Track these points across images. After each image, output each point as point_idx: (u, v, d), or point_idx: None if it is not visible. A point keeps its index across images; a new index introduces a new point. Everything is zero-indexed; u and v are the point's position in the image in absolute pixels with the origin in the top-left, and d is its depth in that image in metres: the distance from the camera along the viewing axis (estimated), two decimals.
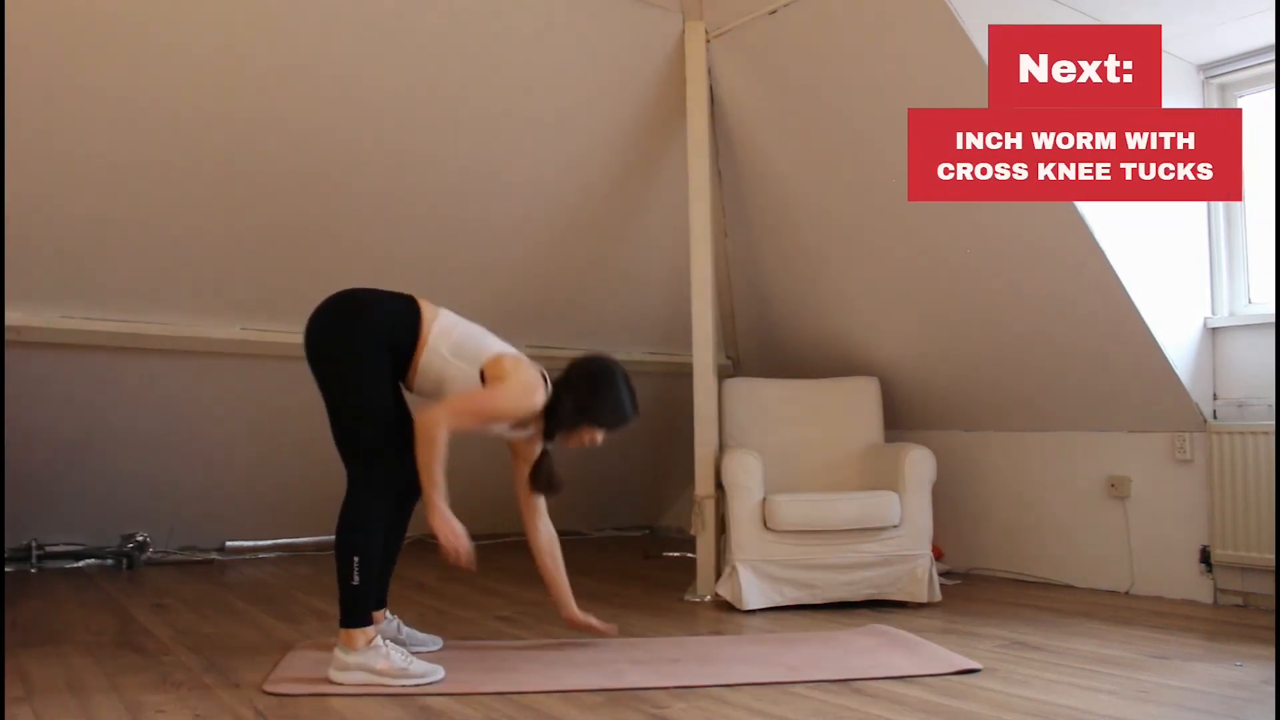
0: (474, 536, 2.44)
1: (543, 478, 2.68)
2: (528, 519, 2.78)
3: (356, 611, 2.35)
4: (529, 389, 2.48)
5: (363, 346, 2.43)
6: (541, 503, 2.78)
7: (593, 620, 2.81)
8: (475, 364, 2.48)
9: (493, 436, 2.65)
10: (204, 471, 4.23)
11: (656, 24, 3.86)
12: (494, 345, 2.56)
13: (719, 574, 3.55)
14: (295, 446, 4.31)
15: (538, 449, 2.70)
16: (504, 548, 4.54)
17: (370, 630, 2.35)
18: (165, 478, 4.16)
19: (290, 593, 3.66)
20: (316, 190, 3.67)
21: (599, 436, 2.64)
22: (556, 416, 2.57)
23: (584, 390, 2.58)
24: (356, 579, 2.34)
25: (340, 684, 2.29)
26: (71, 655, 2.60)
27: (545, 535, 2.79)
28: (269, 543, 4.58)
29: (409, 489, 2.50)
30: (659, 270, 4.48)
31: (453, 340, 2.49)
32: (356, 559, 2.34)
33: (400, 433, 2.45)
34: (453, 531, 2.39)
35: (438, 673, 2.35)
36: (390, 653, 2.33)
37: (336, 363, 2.44)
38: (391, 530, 2.60)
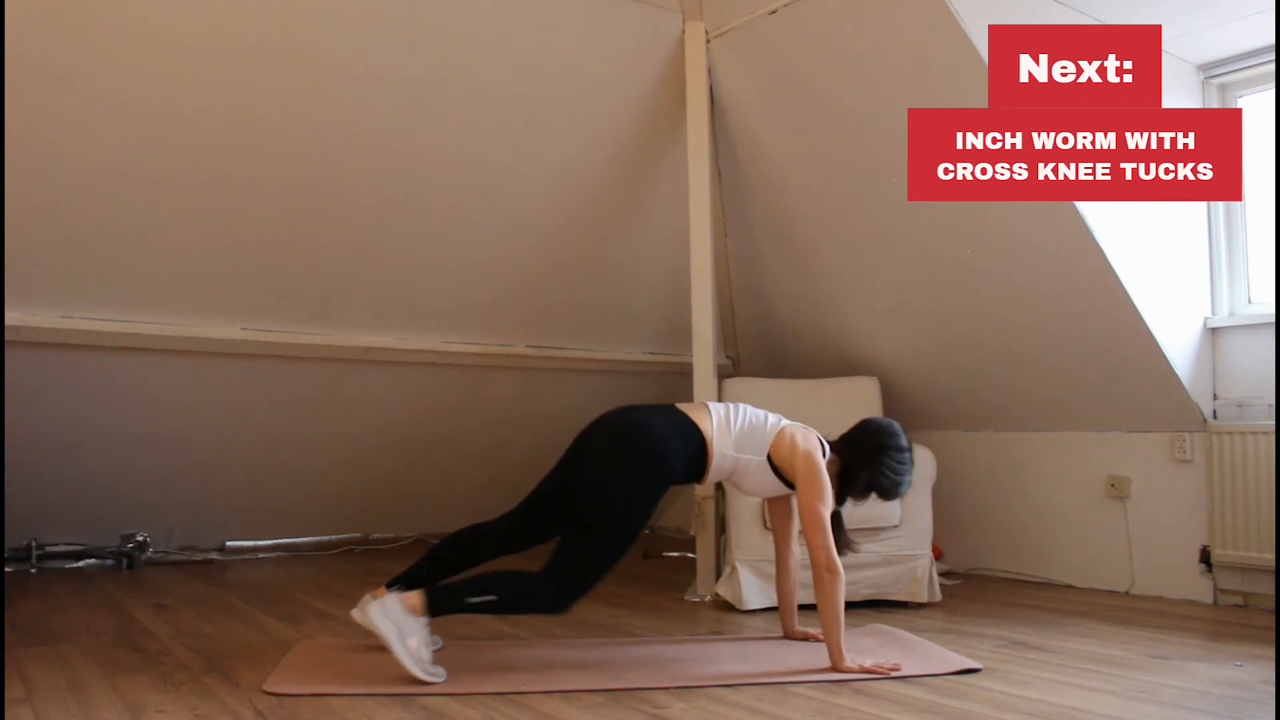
0: None
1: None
2: (782, 545, 2.89)
3: (445, 607, 2.37)
4: (821, 464, 2.61)
5: (648, 497, 2.54)
6: (796, 531, 2.86)
7: (809, 631, 2.85)
8: (760, 452, 2.64)
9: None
10: (204, 471, 4.22)
11: (656, 24, 3.85)
12: (767, 425, 2.67)
13: (719, 574, 3.55)
14: (295, 446, 4.31)
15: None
16: None
17: (425, 619, 2.36)
18: (165, 478, 4.15)
19: (290, 593, 3.65)
20: (315, 190, 3.67)
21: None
22: (848, 486, 2.67)
23: (872, 464, 2.68)
24: (473, 601, 2.37)
25: (366, 617, 2.33)
26: (71, 655, 2.60)
27: (797, 559, 2.89)
28: (269, 543, 4.57)
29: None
30: (659, 270, 4.47)
31: (733, 438, 2.63)
32: (490, 597, 2.38)
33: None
34: (869, 668, 2.43)
35: (439, 674, 2.34)
36: (424, 642, 2.34)
37: (610, 495, 2.48)
38: (467, 561, 2.68)
